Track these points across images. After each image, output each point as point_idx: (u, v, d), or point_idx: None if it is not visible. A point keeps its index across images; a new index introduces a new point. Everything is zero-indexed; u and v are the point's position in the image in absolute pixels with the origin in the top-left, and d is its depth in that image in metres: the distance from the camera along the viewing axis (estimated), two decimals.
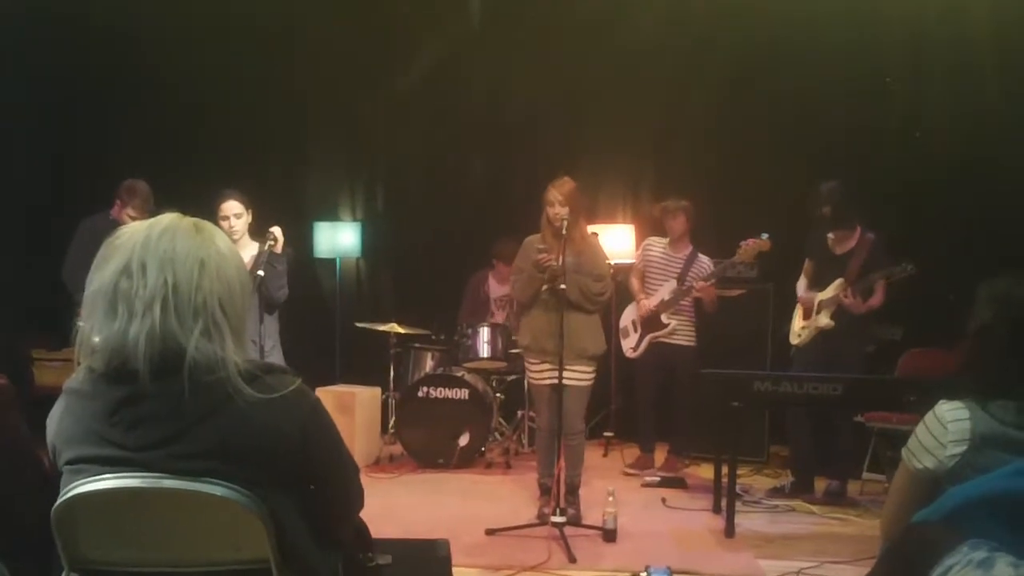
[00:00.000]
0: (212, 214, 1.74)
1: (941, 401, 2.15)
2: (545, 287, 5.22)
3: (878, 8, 6.98)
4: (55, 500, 1.76)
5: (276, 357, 5.19)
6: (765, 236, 6.13)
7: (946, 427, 2.09)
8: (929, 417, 2.15)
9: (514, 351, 6.63)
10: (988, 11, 6.65)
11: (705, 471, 6.51)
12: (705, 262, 6.60)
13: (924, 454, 2.12)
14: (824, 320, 5.85)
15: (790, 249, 6.38)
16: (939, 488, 2.01)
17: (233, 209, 5.12)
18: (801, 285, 6.17)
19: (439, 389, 6.78)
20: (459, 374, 6.87)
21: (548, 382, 5.23)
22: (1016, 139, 6.53)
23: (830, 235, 5.96)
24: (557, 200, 5.16)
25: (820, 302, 5.92)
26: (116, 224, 5.63)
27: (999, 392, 2.07)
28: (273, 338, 5.29)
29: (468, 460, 6.75)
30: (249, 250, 5.16)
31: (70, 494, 1.74)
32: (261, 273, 4.88)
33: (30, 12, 7.24)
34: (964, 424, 2.06)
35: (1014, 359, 2.08)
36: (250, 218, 5.21)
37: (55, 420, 1.81)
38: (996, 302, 2.14)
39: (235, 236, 5.08)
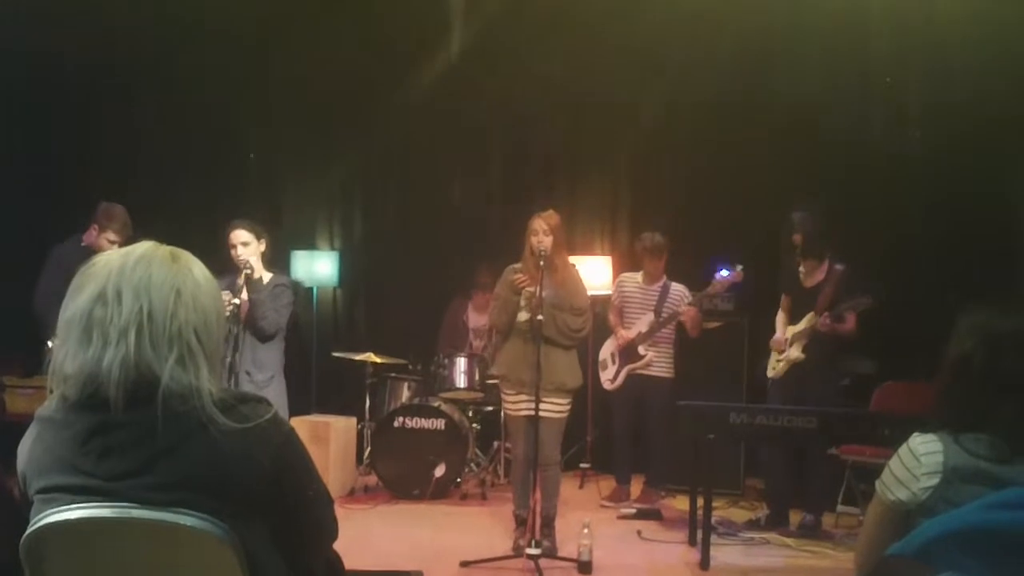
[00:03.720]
0: (188, 244, 1.74)
1: (914, 433, 2.15)
2: (523, 317, 5.23)
3: (862, 37, 7.07)
4: (24, 530, 1.73)
5: (272, 390, 4.93)
6: (739, 267, 6.19)
7: (919, 459, 2.09)
8: (902, 449, 2.15)
9: (491, 381, 6.62)
10: (973, 36, 6.74)
11: (681, 503, 6.49)
12: (680, 291, 6.64)
13: (897, 486, 2.12)
14: (795, 353, 5.90)
15: (766, 282, 6.43)
16: (912, 521, 2.01)
17: (240, 238, 5.02)
18: (780, 320, 6.21)
19: (415, 419, 6.75)
20: (435, 404, 6.85)
21: (524, 413, 5.23)
22: (996, 172, 6.62)
23: (800, 268, 6.02)
24: (542, 229, 5.19)
25: (792, 335, 5.97)
26: (88, 250, 5.61)
27: (972, 425, 2.08)
28: (270, 370, 5.04)
29: (443, 491, 6.72)
30: (262, 279, 5.12)
31: (40, 524, 1.71)
32: (236, 301, 4.83)
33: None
34: (937, 457, 2.07)
35: (987, 392, 2.09)
36: (263, 246, 5.10)
37: (26, 448, 1.79)
38: (974, 334, 2.15)
39: (246, 270, 4.94)
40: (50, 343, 1.78)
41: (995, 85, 6.59)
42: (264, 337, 5.01)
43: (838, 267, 5.92)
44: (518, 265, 5.34)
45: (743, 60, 7.30)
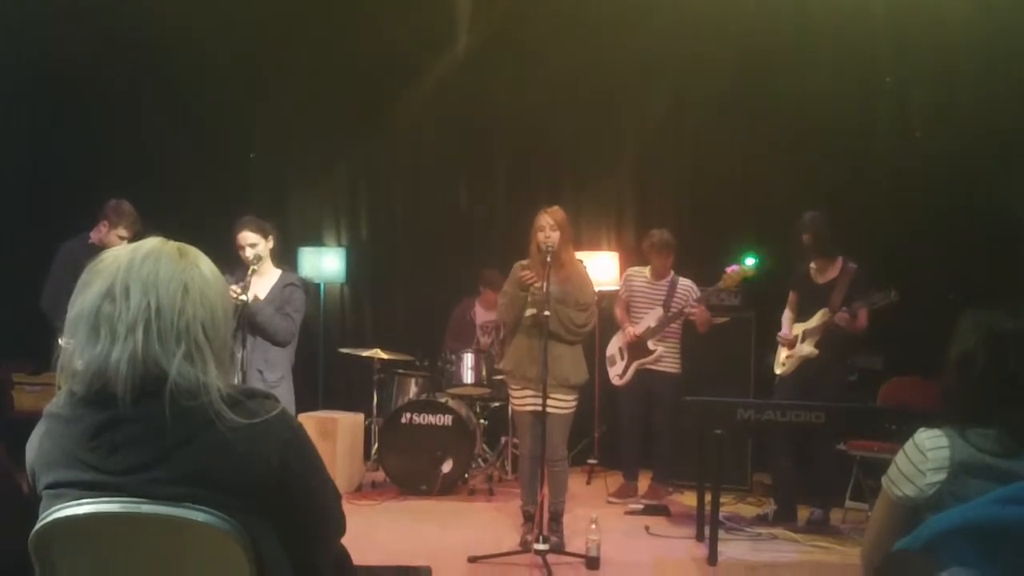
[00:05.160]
0: (194, 240, 1.76)
1: (920, 429, 2.16)
2: (530, 313, 5.23)
3: (866, 37, 7.05)
4: (33, 526, 1.74)
5: (282, 389, 4.95)
6: (749, 262, 6.17)
7: (925, 455, 2.09)
8: (908, 445, 2.15)
9: (498, 377, 6.63)
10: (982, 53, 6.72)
11: (688, 499, 6.50)
12: (688, 286, 6.64)
13: (904, 482, 2.12)
14: (808, 349, 5.89)
15: (774, 278, 6.42)
16: (919, 517, 2.01)
17: (247, 240, 5.04)
18: (786, 317, 6.20)
19: (422, 415, 6.76)
20: (442, 400, 6.86)
21: (530, 409, 5.23)
22: (1000, 170, 6.61)
23: (812, 265, 6.02)
24: (548, 224, 5.19)
25: (804, 331, 5.96)
26: (95, 248, 5.64)
27: (978, 420, 2.08)
28: (280, 370, 5.07)
29: (451, 487, 6.72)
30: (270, 277, 5.12)
31: (49, 519, 1.72)
32: (244, 298, 4.84)
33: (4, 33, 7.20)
34: (943, 452, 2.07)
35: (993, 388, 2.09)
36: (271, 244, 5.12)
37: (35, 444, 1.80)
38: (978, 331, 2.16)
39: (253, 265, 4.99)
40: (59, 339, 1.79)
41: (999, 85, 6.57)
42: (280, 345, 5.02)
43: (851, 265, 5.91)
44: (526, 262, 5.34)
45: (749, 58, 7.28)
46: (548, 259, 5.10)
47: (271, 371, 5.00)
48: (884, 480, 2.20)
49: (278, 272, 5.19)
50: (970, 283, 6.35)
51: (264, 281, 5.08)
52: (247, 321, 4.86)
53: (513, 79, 7.86)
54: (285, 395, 4.96)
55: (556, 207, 5.32)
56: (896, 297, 5.56)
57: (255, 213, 5.28)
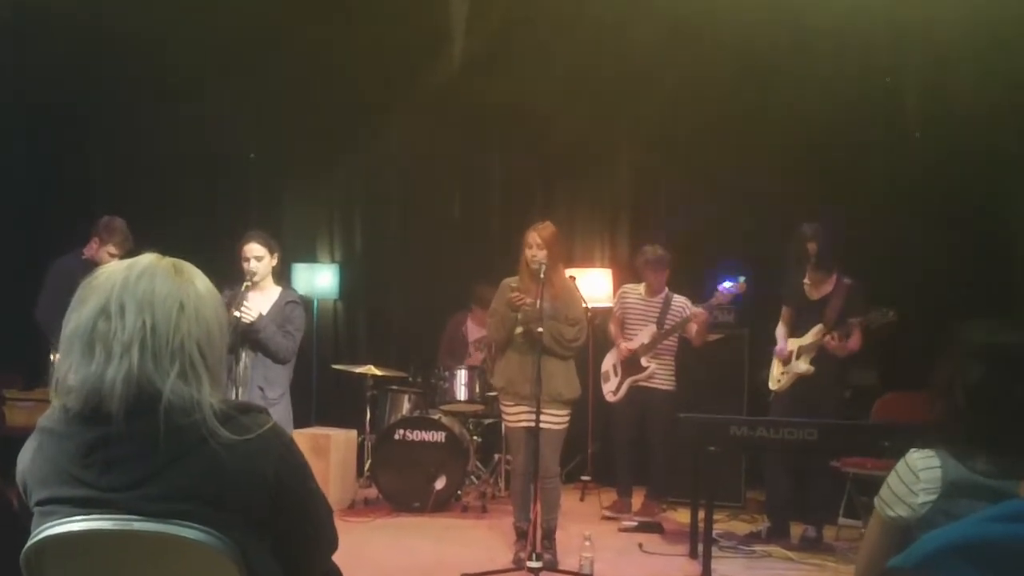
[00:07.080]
0: (190, 256, 1.76)
1: (912, 449, 2.15)
2: (520, 330, 5.23)
3: (864, 47, 7.08)
4: (24, 541, 1.73)
5: (281, 407, 4.94)
6: (742, 279, 6.18)
7: (917, 475, 2.09)
8: (900, 466, 2.15)
9: (491, 394, 6.62)
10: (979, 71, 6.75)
11: (682, 516, 6.48)
12: (682, 302, 6.64)
13: (896, 503, 2.12)
14: (803, 366, 5.88)
15: (767, 294, 6.43)
16: (912, 535, 2.01)
17: (254, 251, 5.02)
18: (780, 331, 6.19)
19: (415, 432, 6.74)
20: (436, 417, 6.84)
21: (523, 425, 5.23)
22: (997, 180, 6.63)
23: (806, 280, 6.01)
24: (536, 243, 5.19)
25: (799, 347, 5.95)
26: (89, 263, 5.63)
27: (970, 440, 2.07)
28: (281, 387, 5.04)
29: (444, 504, 6.70)
30: (271, 294, 5.10)
31: (41, 536, 1.71)
32: (238, 314, 4.82)
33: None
34: (935, 472, 2.07)
35: (981, 410, 2.09)
36: (274, 261, 5.11)
37: (27, 457, 1.79)
38: (970, 349, 2.15)
39: (256, 278, 4.98)
40: (53, 355, 1.79)
41: (999, 87, 6.60)
42: (281, 363, 5.01)
43: (846, 281, 5.91)
44: (514, 281, 5.34)
45: (744, 72, 7.32)
46: (541, 276, 5.10)
47: (271, 389, 4.98)
48: (876, 501, 2.19)
49: (278, 289, 5.17)
50: (967, 294, 6.35)
51: (265, 298, 5.07)
52: (248, 338, 4.85)
53: (507, 95, 7.87)
54: (284, 412, 4.95)
55: (546, 223, 5.31)
56: (893, 317, 5.56)
57: (248, 229, 5.27)
